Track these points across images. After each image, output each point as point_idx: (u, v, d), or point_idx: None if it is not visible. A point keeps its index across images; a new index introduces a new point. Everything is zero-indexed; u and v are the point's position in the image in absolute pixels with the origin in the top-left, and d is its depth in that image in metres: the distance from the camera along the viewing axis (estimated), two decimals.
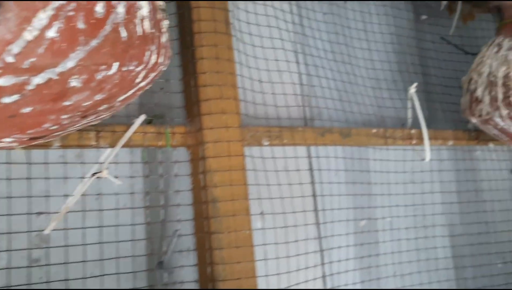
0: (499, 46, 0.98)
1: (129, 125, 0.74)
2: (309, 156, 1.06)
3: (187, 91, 0.85)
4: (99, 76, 0.45)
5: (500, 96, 0.94)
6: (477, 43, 1.26)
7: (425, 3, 1.29)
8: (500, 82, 0.94)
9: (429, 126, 1.22)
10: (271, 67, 0.97)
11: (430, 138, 1.07)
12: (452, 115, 1.21)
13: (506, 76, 0.93)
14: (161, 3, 0.56)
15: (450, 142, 1.10)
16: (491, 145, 1.16)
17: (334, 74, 1.09)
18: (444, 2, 1.23)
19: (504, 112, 0.93)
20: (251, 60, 0.94)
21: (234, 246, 0.78)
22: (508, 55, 0.94)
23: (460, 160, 1.21)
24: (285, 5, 1.04)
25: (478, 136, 1.13)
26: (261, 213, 0.97)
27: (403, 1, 1.25)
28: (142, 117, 0.74)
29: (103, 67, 0.45)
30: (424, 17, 1.30)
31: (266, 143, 0.90)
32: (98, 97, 0.48)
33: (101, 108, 0.51)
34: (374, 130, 1.01)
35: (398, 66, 1.18)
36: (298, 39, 1.06)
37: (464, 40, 1.29)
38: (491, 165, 1.26)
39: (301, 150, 1.05)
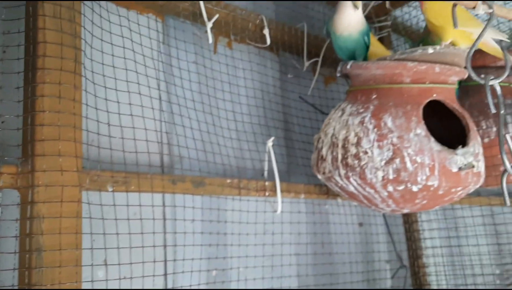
0: (343, 110, 1.07)
1: None
2: (164, 205, 1.04)
3: (25, 129, 0.80)
4: None
5: (339, 156, 1.02)
6: (334, 104, 1.38)
7: (291, 62, 1.39)
8: (340, 144, 1.03)
9: (288, 179, 1.29)
10: (124, 111, 0.95)
11: (283, 191, 1.12)
12: (310, 170, 1.29)
13: (345, 139, 1.02)
14: None
15: (302, 196, 1.17)
16: (339, 200, 1.25)
17: (197, 124, 1.10)
18: (307, 64, 1.33)
19: (342, 171, 1.01)
20: (101, 101, 0.91)
21: None
22: (348, 120, 1.04)
23: (312, 213, 1.28)
24: (147, 50, 1.04)
25: (328, 190, 1.21)
26: (105, 263, 0.92)
27: (269, 60, 1.33)
28: None
29: None
30: (290, 76, 1.39)
31: (111, 189, 0.86)
32: None
33: None
34: (228, 180, 1.03)
35: (261, 120, 1.24)
36: (160, 86, 1.07)
37: (322, 101, 1.40)
38: (339, 219, 1.35)
39: (157, 198, 1.03)
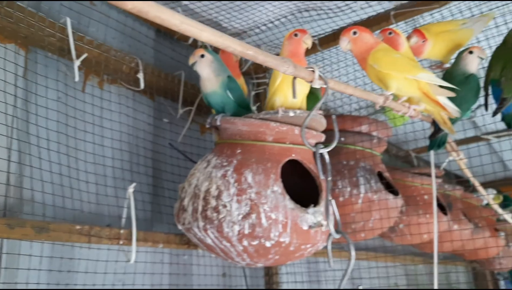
0: (208, 162, 1.09)
1: None
2: (1, 252, 0.93)
3: None
4: None
5: (200, 208, 1.02)
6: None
7: (167, 109, 1.38)
8: (202, 195, 1.03)
9: (151, 227, 1.24)
10: None
11: (140, 240, 1.08)
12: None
13: (207, 191, 1.03)
14: None
15: (161, 245, 1.13)
16: (200, 251, 1.23)
17: (48, 165, 1.02)
18: (181, 111, 1.34)
19: (201, 223, 1.01)
20: None
21: None
22: (212, 172, 1.05)
23: (176, 264, 1.25)
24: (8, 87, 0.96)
25: (189, 241, 1.19)
26: None
27: (143, 104, 1.31)
28: None
29: None
30: (165, 120, 1.38)
31: None
32: None
33: None
34: (78, 227, 0.96)
35: (125, 164, 1.20)
36: (13, 122, 0.98)
37: (195, 149, 1.41)
38: (204, 270, 1.33)
39: None
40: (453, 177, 2.76)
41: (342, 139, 1.47)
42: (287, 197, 1.03)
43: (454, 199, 2.06)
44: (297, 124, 1.09)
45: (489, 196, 1.72)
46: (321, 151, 0.71)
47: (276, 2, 1.32)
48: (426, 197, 1.78)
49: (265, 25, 1.43)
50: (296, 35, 1.08)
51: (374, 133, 1.48)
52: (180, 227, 1.08)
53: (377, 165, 1.48)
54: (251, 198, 1.00)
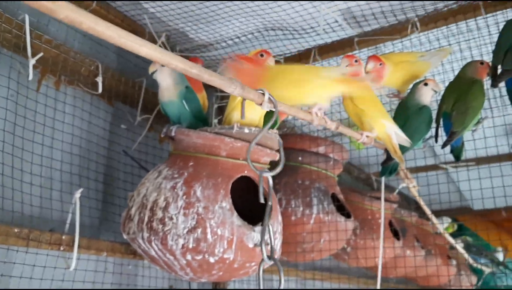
0: (159, 172, 1.08)
1: None
2: None
3: None
4: None
5: (146, 218, 1.01)
6: None
7: (126, 115, 1.36)
8: (149, 205, 1.02)
9: (98, 235, 1.21)
10: None
11: (83, 247, 1.05)
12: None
13: (155, 202, 1.02)
14: None
15: (105, 253, 1.11)
16: (146, 262, 1.21)
17: None
18: (139, 118, 1.33)
19: (146, 234, 0.99)
20: None
21: None
22: (162, 183, 1.04)
23: (117, 274, 1.22)
24: None
25: (136, 250, 1.17)
26: None
27: (101, 109, 1.29)
28: None
29: None
30: (123, 126, 1.36)
31: None
32: None
33: None
34: (16, 230, 0.93)
35: (74, 169, 1.17)
36: None
37: (150, 158, 1.39)
38: (148, 282, 1.30)
39: None
40: (413, 203, 2.82)
41: (300, 158, 1.49)
42: (235, 213, 1.02)
43: (409, 225, 2.10)
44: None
45: (439, 225, 1.76)
46: (265, 175, 0.71)
47: (243, 19, 1.33)
48: (380, 221, 1.81)
49: (231, 39, 1.44)
50: (262, 55, 1.09)
51: (331, 155, 1.50)
52: (125, 236, 1.06)
53: (332, 187, 1.50)
54: (198, 212, 0.99)
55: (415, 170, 2.28)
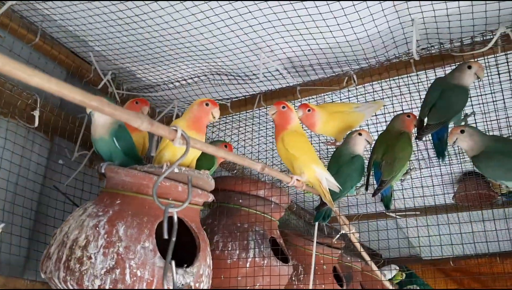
0: (85, 210, 1.06)
1: None
2: None
3: None
4: None
5: (64, 257, 0.98)
6: None
7: (64, 150, 1.35)
8: (69, 244, 0.99)
9: (22, 274, 1.17)
10: None
11: None
12: None
13: (75, 240, 0.99)
14: None
15: None
16: None
17: None
18: (76, 154, 1.32)
19: (62, 274, 0.97)
20: None
21: None
22: (85, 221, 1.02)
23: None
24: None
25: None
26: None
27: (38, 143, 1.27)
28: None
29: None
30: (61, 162, 1.34)
31: None
32: None
33: None
34: None
35: (10, 206, 1.14)
36: None
37: (90, 196, 1.37)
38: None
39: None
40: (366, 249, 2.83)
41: (240, 201, 1.49)
42: (158, 254, 1.01)
43: (355, 272, 2.11)
44: (182, 181, 1.09)
45: (381, 273, 1.77)
46: (170, 210, 0.71)
47: (188, 62, 1.37)
48: (324, 267, 1.81)
49: (178, 81, 1.47)
50: (207, 104, 1.11)
51: (272, 199, 1.51)
52: (43, 275, 1.03)
53: (272, 231, 1.50)
54: (118, 252, 0.98)
55: (366, 217, 2.32)
